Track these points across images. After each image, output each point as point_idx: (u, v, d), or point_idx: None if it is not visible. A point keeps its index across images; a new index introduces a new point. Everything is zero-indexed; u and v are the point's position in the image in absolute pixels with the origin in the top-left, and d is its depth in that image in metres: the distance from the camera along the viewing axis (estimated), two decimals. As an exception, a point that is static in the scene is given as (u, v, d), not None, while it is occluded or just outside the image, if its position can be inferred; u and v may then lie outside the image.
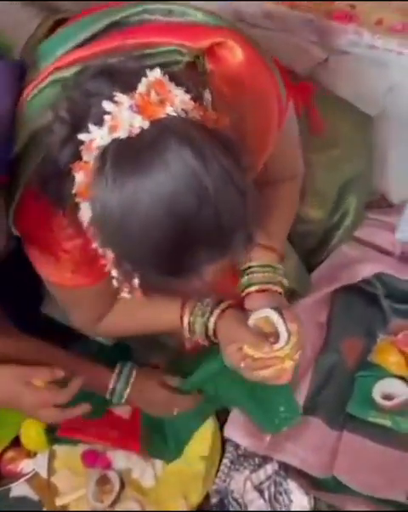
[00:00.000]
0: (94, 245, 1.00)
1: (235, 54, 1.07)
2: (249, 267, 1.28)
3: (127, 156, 0.90)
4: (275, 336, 1.18)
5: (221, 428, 1.45)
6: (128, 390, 1.38)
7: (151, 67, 0.95)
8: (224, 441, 1.45)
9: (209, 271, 0.94)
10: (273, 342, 1.17)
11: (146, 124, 0.90)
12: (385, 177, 1.67)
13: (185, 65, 1.04)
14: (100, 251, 1.00)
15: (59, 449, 1.48)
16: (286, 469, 1.40)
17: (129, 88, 0.93)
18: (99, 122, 0.92)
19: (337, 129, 1.51)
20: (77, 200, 0.97)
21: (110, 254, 0.98)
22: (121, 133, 0.90)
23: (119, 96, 0.92)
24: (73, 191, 0.96)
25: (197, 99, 0.97)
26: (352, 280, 1.53)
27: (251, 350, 1.17)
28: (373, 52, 1.47)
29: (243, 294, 1.26)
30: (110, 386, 1.38)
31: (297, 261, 1.53)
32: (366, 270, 1.53)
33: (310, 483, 1.39)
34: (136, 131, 0.90)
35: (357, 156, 1.53)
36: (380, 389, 1.42)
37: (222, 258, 0.94)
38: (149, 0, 1.15)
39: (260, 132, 1.12)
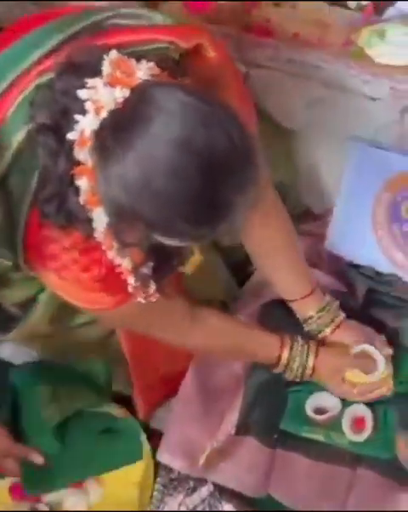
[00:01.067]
0: (110, 254, 1.01)
1: (211, 52, 1.10)
2: (307, 319, 1.39)
3: (123, 123, 0.90)
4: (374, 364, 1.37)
5: (154, 452, 1.43)
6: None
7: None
8: (158, 465, 1.43)
9: (243, 203, 0.92)
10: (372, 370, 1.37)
11: (127, 92, 0.91)
12: (311, 189, 1.68)
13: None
14: (117, 260, 1.02)
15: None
16: (221, 491, 1.38)
17: (95, 73, 0.94)
18: (83, 112, 0.92)
19: (259, 142, 1.51)
20: (88, 209, 0.96)
21: (125, 263, 1.01)
22: (108, 109, 0.91)
23: (90, 81, 0.93)
24: (81, 201, 0.95)
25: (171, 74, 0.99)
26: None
27: (357, 378, 1.36)
28: (291, 66, 1.47)
29: (320, 338, 1.39)
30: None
31: (227, 274, 1.53)
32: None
33: (246, 503, 1.38)
34: (120, 100, 0.91)
35: (279, 169, 1.54)
36: (312, 403, 1.41)
37: (246, 192, 0.92)
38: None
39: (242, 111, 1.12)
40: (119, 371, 1.49)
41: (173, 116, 0.87)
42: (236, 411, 1.42)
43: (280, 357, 1.34)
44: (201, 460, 1.39)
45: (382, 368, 1.37)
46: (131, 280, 1.06)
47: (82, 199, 0.95)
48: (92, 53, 0.98)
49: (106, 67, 0.94)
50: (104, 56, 0.95)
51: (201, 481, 1.39)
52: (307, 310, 1.38)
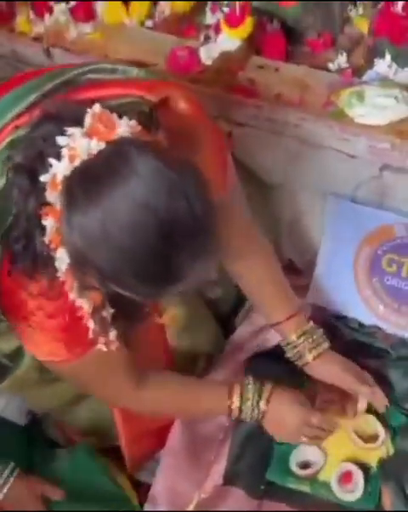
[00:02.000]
0: (72, 295, 1.02)
1: (183, 107, 1.12)
2: (288, 344, 1.41)
3: (93, 174, 0.92)
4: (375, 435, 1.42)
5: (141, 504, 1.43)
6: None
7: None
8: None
9: (196, 271, 0.94)
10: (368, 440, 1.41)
11: (102, 145, 0.93)
12: (292, 243, 1.72)
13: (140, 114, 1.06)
14: (77, 302, 1.03)
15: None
16: (208, 544, 1.38)
17: (76, 123, 0.96)
18: (58, 158, 0.94)
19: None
20: (52, 248, 0.98)
21: (86, 305, 1.02)
22: (82, 159, 0.93)
23: (70, 129, 0.95)
24: (46, 241, 0.97)
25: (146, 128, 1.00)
26: (264, 347, 1.55)
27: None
28: (271, 124, 1.52)
29: (301, 365, 1.41)
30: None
31: (214, 324, 1.55)
32: (278, 336, 1.55)
33: None
34: (94, 151, 0.93)
35: (259, 221, 1.57)
36: (296, 457, 1.42)
37: (201, 260, 0.94)
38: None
39: (216, 165, 1.17)
40: (106, 424, 1.49)
41: (141, 178, 0.90)
42: (223, 462, 1.43)
43: (231, 406, 1.35)
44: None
45: (380, 443, 1.41)
46: (91, 323, 1.07)
47: (47, 238, 0.98)
48: (73, 106, 1.01)
49: (88, 118, 0.96)
50: (88, 109, 0.98)
51: (189, 532, 1.39)
52: (289, 332, 1.41)
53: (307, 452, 1.43)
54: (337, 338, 1.56)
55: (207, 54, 1.58)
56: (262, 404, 1.36)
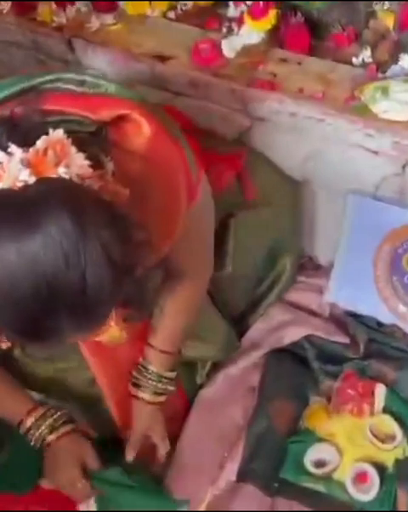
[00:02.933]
0: None
1: (140, 128, 1.05)
2: (142, 366, 1.36)
3: (6, 209, 0.86)
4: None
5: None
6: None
7: (56, 127, 0.93)
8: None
9: (70, 339, 0.91)
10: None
11: (32, 179, 0.87)
12: (312, 240, 1.70)
13: (89, 135, 1.02)
14: None
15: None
16: (221, 541, 1.37)
17: (28, 142, 0.91)
18: None
19: (266, 191, 1.54)
20: None
21: None
22: (4, 185, 0.87)
23: (13, 148, 0.89)
24: None
25: (98, 168, 0.95)
26: (280, 343, 1.54)
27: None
28: (293, 119, 1.50)
29: (133, 393, 1.37)
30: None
31: (226, 329, 1.53)
32: (295, 333, 1.54)
33: None
34: (19, 184, 0.87)
35: (284, 216, 1.57)
36: (311, 455, 1.41)
37: (83, 329, 0.92)
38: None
39: (166, 209, 1.10)
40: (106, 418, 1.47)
41: (44, 236, 0.85)
42: (237, 459, 1.42)
43: (22, 422, 1.33)
44: (202, 507, 1.38)
45: (400, 436, 1.42)
46: None
47: None
48: (38, 121, 0.96)
49: (41, 142, 0.91)
50: (51, 130, 0.93)
51: (201, 531, 1.38)
52: (151, 362, 1.36)
53: (322, 450, 1.42)
54: (353, 338, 1.55)
55: (230, 47, 1.56)
56: (49, 438, 1.33)
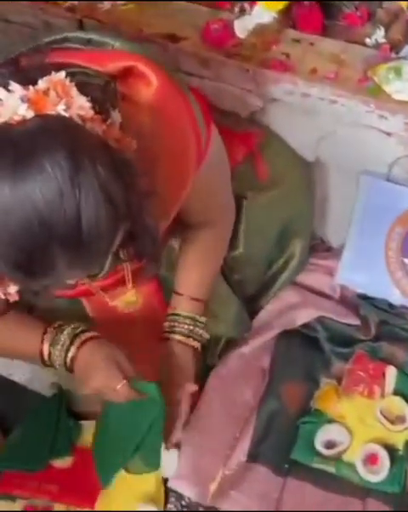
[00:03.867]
0: None
1: (147, 80, 1.06)
2: (174, 314, 1.34)
3: (1, 139, 0.87)
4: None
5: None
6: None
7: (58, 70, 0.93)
8: (167, 494, 1.42)
9: (66, 277, 0.91)
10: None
11: (30, 114, 0.87)
12: (323, 222, 1.70)
13: (96, 88, 1.01)
14: None
15: (-3, 506, 1.44)
16: (231, 520, 1.38)
17: (30, 81, 0.91)
18: None
19: (278, 171, 1.54)
20: None
21: None
22: (1, 119, 0.87)
23: (14, 86, 0.90)
24: None
25: (102, 113, 0.95)
26: (292, 325, 1.54)
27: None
28: (306, 100, 1.49)
29: (164, 337, 1.35)
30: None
31: (238, 307, 1.53)
32: (306, 315, 1.54)
33: (256, 532, 1.37)
34: (17, 118, 0.87)
35: (297, 197, 1.57)
36: (322, 436, 1.42)
37: (78, 266, 0.91)
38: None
39: (175, 163, 1.09)
40: None
41: (38, 168, 0.84)
42: (248, 439, 1.43)
43: (42, 349, 1.28)
44: (213, 487, 1.39)
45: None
46: None
47: None
48: (41, 64, 0.97)
49: (43, 82, 0.91)
50: (53, 71, 0.93)
51: (212, 509, 1.39)
52: (178, 307, 1.35)
53: (332, 431, 1.43)
54: (365, 320, 1.55)
55: (242, 27, 1.55)
56: (72, 349, 1.26)
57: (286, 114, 1.56)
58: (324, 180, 1.65)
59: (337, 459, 1.40)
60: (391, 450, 1.39)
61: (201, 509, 1.39)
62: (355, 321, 1.55)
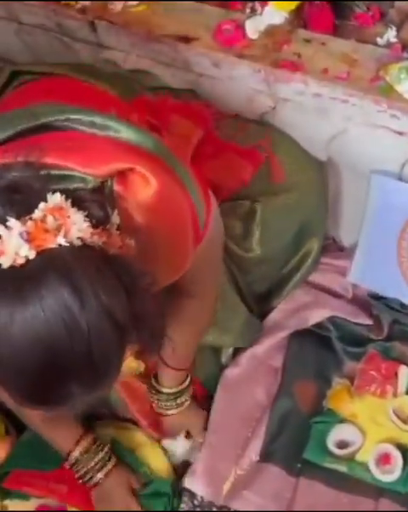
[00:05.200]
0: None
1: (147, 181, 1.02)
2: (159, 392, 1.40)
3: (7, 284, 0.87)
4: None
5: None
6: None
7: (55, 190, 0.92)
8: (180, 491, 1.43)
9: (80, 399, 0.92)
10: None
11: (32, 254, 0.87)
12: (335, 221, 1.70)
13: (92, 192, 0.99)
14: None
15: (11, 504, 1.44)
16: (244, 519, 1.38)
17: (27, 209, 0.90)
18: None
19: (293, 173, 1.54)
20: None
21: None
22: (5, 261, 0.88)
23: (12, 222, 0.89)
24: None
25: (101, 223, 0.94)
26: (304, 324, 1.54)
27: None
28: (317, 100, 1.49)
29: (160, 413, 1.43)
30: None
31: (245, 317, 1.52)
32: (318, 315, 1.54)
33: (268, 532, 1.38)
34: (20, 261, 0.87)
35: (312, 198, 1.56)
36: (334, 436, 1.42)
37: (94, 391, 0.93)
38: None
39: (173, 254, 1.10)
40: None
41: (47, 311, 0.85)
42: (260, 439, 1.43)
43: (69, 454, 1.38)
44: (226, 487, 1.39)
45: None
46: None
47: None
48: (38, 182, 0.94)
49: (39, 211, 0.89)
50: (49, 195, 0.91)
51: (224, 508, 1.39)
52: (163, 381, 1.39)
53: (345, 431, 1.43)
54: (377, 319, 1.55)
55: (253, 28, 1.55)
56: (99, 475, 1.38)
57: (297, 114, 1.56)
58: (335, 180, 1.65)
59: (350, 459, 1.40)
60: (404, 449, 1.39)
61: (214, 509, 1.40)
62: (367, 321, 1.55)
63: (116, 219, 0.98)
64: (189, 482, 1.40)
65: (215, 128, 1.51)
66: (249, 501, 1.38)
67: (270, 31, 1.56)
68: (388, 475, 1.37)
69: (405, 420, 1.42)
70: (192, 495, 1.41)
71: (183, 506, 1.40)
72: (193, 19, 1.60)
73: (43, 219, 0.89)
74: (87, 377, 0.89)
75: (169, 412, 1.43)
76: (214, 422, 1.46)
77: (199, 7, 1.63)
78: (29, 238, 0.88)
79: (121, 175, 1.01)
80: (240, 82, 1.55)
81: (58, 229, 0.89)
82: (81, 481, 1.39)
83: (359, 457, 1.41)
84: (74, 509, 1.43)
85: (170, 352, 1.30)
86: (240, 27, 1.55)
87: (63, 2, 1.66)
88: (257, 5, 1.59)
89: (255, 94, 1.56)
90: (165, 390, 1.41)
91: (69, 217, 0.90)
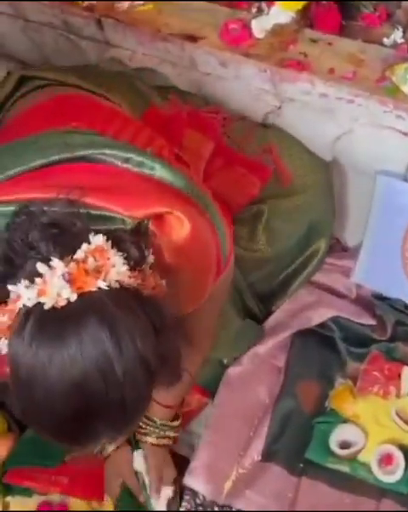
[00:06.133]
0: None
1: (182, 223, 1.05)
2: (149, 418, 1.38)
3: (48, 325, 0.89)
4: None
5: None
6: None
7: (97, 231, 0.94)
8: (182, 490, 1.43)
9: (109, 439, 0.96)
10: None
11: (74, 297, 0.89)
12: (340, 221, 1.70)
13: (129, 233, 1.02)
14: None
15: (13, 501, 1.45)
16: (246, 519, 1.38)
17: (69, 249, 0.92)
18: (31, 278, 0.91)
19: (300, 176, 1.54)
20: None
21: None
22: (48, 301, 0.89)
23: (55, 261, 0.91)
24: None
25: (138, 264, 0.96)
26: (307, 324, 1.54)
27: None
28: (323, 100, 1.49)
29: (140, 439, 1.39)
30: None
31: (237, 328, 1.51)
32: (322, 315, 1.54)
33: (269, 532, 1.38)
34: (62, 303, 0.89)
35: (319, 200, 1.56)
36: (337, 436, 1.42)
37: (121, 434, 0.97)
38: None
39: (194, 291, 1.13)
40: None
41: (85, 355, 0.88)
42: (262, 438, 1.43)
43: None
44: (227, 486, 1.39)
45: None
46: None
47: None
48: (80, 223, 0.96)
49: (82, 251, 0.92)
50: (91, 236, 0.93)
51: (226, 507, 1.39)
52: (154, 413, 1.38)
53: (347, 431, 1.43)
54: (380, 320, 1.55)
55: (260, 27, 1.55)
56: (110, 447, 1.39)
57: (303, 114, 1.56)
58: (340, 180, 1.65)
59: (352, 459, 1.40)
60: (406, 450, 1.39)
61: (216, 509, 1.40)
62: (371, 322, 1.55)
63: (150, 259, 1.01)
64: (188, 480, 1.40)
65: (223, 135, 1.52)
66: (251, 500, 1.38)
67: (277, 31, 1.56)
68: (391, 476, 1.37)
69: (407, 421, 1.42)
70: (194, 494, 1.40)
71: (185, 505, 1.41)
72: (200, 18, 1.60)
73: (85, 260, 0.91)
74: (116, 420, 0.92)
75: (149, 438, 1.40)
76: (215, 420, 1.45)
77: (206, 6, 1.63)
78: (70, 279, 0.90)
79: (158, 216, 1.04)
80: (246, 82, 1.55)
81: (98, 271, 0.91)
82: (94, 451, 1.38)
83: (361, 457, 1.40)
84: (75, 510, 1.43)
85: (161, 391, 1.26)
86: (247, 27, 1.55)
87: (70, 0, 1.66)
88: (264, 5, 1.59)
89: (261, 94, 1.56)
90: (155, 419, 1.39)
91: (109, 259, 0.92)
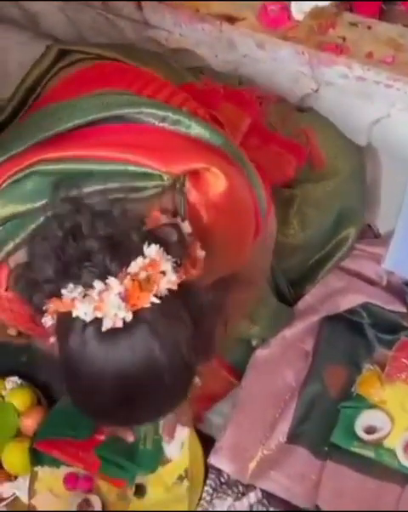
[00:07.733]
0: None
1: (218, 180, 1.05)
2: None
3: (106, 337, 0.91)
4: None
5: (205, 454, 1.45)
6: None
7: (150, 242, 0.94)
8: (207, 468, 1.44)
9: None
10: None
11: (129, 317, 0.91)
12: (372, 207, 1.69)
13: (168, 190, 1.03)
14: None
15: (41, 471, 1.48)
16: (270, 499, 1.39)
17: (124, 262, 0.93)
18: (86, 288, 0.92)
19: (333, 160, 1.54)
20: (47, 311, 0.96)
21: None
22: (106, 323, 0.91)
23: (111, 280, 0.91)
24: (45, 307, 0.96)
25: (182, 260, 0.97)
26: (336, 310, 1.54)
27: None
28: (360, 84, 1.48)
29: None
30: None
31: (274, 307, 1.52)
32: (351, 300, 1.54)
33: (293, 512, 1.39)
34: (119, 324, 0.91)
35: (351, 186, 1.56)
36: (363, 421, 1.43)
37: (162, 417, 1.03)
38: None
39: (234, 251, 1.13)
40: None
41: (137, 360, 0.92)
42: (288, 420, 1.44)
43: None
44: (252, 466, 1.40)
45: None
46: None
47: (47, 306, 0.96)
48: (136, 235, 0.96)
49: (136, 265, 0.93)
50: (145, 248, 0.94)
51: (250, 487, 1.40)
52: None
53: (373, 417, 1.43)
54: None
55: (299, 9, 1.53)
56: None
57: (340, 97, 1.54)
58: (375, 165, 1.63)
59: (377, 445, 1.41)
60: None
61: (240, 488, 1.41)
62: (401, 309, 1.54)
63: (187, 228, 1.01)
64: (214, 459, 1.42)
65: (261, 115, 1.51)
66: (275, 481, 1.40)
67: (316, 14, 1.54)
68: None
69: (434, 408, 1.42)
70: (219, 473, 1.42)
71: (209, 482, 1.42)
72: (239, -2, 1.59)
73: (138, 273, 0.92)
74: (159, 409, 0.98)
75: None
76: (242, 401, 1.47)
77: (245, -13, 1.62)
78: (125, 296, 0.91)
79: (194, 174, 1.04)
80: (284, 64, 1.54)
81: (150, 283, 0.92)
82: None
83: (386, 443, 1.41)
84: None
85: None
86: (286, 9, 1.54)
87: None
88: (304, -13, 1.58)
89: (298, 76, 1.55)
90: None
91: (160, 271, 0.93)
